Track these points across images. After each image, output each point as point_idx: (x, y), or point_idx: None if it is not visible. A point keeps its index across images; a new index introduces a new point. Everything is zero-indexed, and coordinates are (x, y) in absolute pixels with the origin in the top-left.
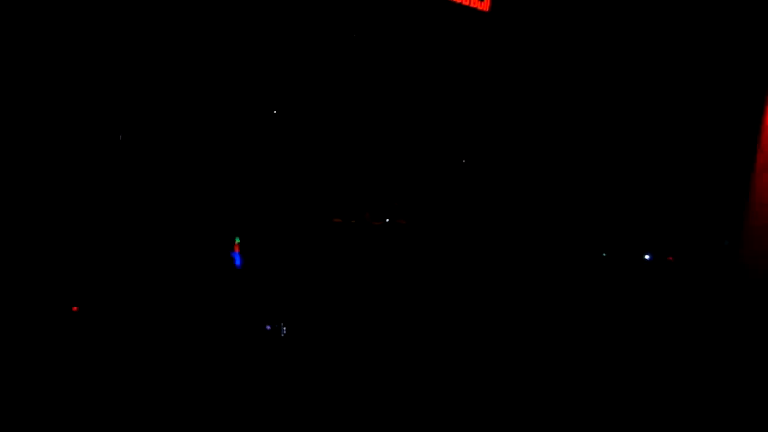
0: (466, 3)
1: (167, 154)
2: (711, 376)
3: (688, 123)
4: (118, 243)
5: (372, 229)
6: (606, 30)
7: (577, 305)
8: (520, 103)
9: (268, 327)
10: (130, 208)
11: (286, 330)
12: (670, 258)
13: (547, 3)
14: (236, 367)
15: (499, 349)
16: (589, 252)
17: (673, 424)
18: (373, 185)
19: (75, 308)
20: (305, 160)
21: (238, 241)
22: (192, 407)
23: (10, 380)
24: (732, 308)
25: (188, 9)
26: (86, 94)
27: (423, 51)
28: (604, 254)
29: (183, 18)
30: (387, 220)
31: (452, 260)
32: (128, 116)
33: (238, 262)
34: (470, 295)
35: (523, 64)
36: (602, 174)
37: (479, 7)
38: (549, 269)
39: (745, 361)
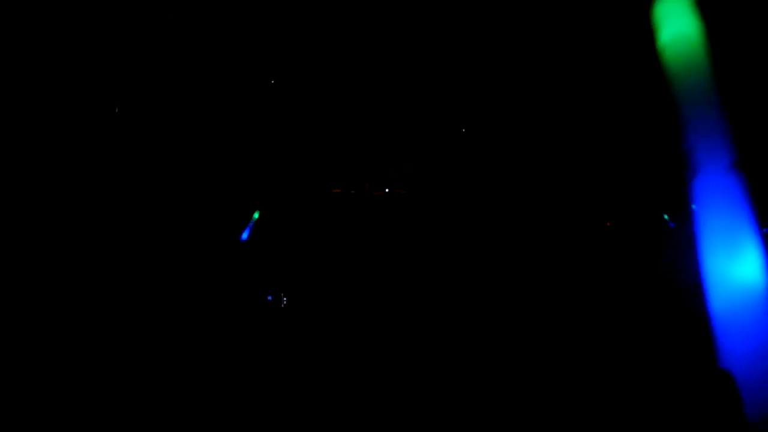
0: None
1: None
2: None
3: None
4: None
5: (372, 199)
6: None
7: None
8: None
9: (269, 297)
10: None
11: (286, 301)
12: None
13: None
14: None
15: (502, 335)
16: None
17: None
18: (372, 154)
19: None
20: (304, 131)
21: (256, 216)
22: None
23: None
24: None
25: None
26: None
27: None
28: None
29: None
30: (387, 190)
31: (454, 234)
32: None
33: (245, 234)
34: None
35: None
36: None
37: None
38: (551, 248)
39: None
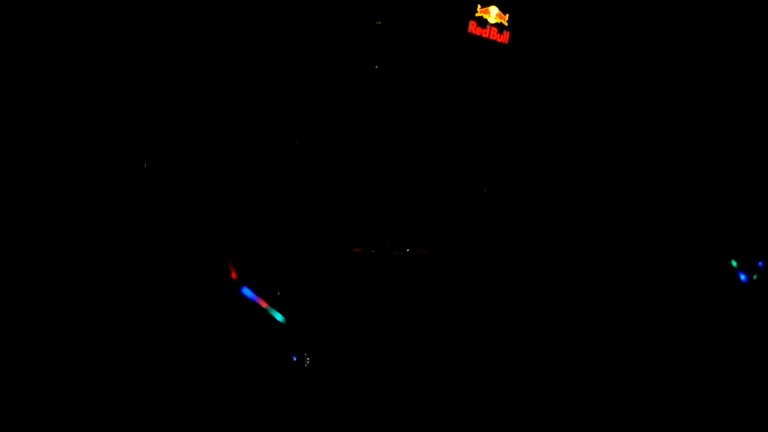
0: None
1: (183, 181)
2: None
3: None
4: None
5: (393, 259)
6: (627, 62)
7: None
8: (542, 133)
9: (295, 358)
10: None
11: (309, 361)
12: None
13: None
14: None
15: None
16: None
17: None
18: (392, 215)
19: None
20: (324, 189)
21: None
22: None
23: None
24: None
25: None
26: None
27: (445, 84)
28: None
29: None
30: (408, 249)
31: (475, 290)
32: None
33: (251, 296)
34: (492, 324)
35: (542, 94)
36: (624, 196)
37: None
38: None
39: None
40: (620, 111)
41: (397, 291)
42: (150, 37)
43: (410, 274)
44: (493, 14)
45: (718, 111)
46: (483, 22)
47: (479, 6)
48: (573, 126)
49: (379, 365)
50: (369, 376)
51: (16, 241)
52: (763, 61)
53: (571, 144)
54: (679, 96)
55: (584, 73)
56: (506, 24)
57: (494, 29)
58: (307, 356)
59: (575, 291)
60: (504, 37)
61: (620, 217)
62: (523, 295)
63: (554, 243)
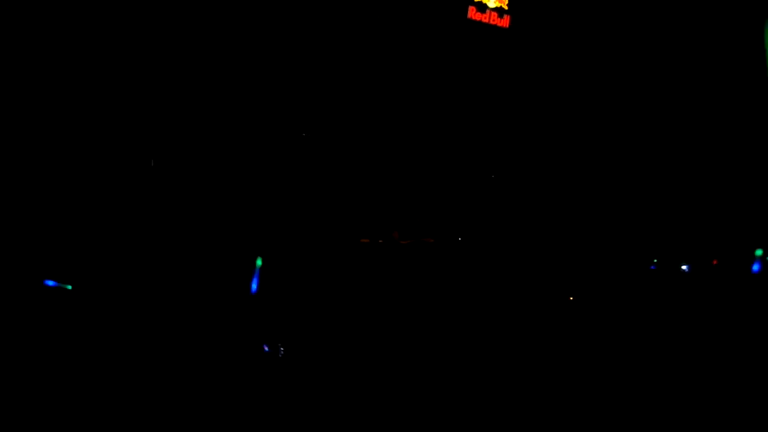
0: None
1: (193, 177)
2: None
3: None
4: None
5: (400, 248)
6: (628, 45)
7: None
8: (546, 119)
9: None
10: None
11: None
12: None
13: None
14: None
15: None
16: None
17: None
18: (399, 204)
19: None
20: (331, 181)
21: (259, 264)
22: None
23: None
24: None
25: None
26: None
27: (446, 71)
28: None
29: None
30: (415, 239)
31: (480, 278)
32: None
33: (255, 286)
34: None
35: (544, 79)
36: (629, 181)
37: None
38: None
39: None
40: (624, 97)
41: (405, 280)
42: (165, 35)
43: (418, 263)
44: None
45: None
46: (482, 7)
47: None
48: (577, 112)
49: (382, 354)
50: (374, 364)
51: (26, 240)
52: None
53: (576, 130)
54: (685, 86)
55: (587, 57)
56: (506, 8)
57: (494, 14)
58: (281, 347)
59: (580, 283)
60: (504, 22)
61: (626, 201)
62: (529, 283)
63: (561, 231)
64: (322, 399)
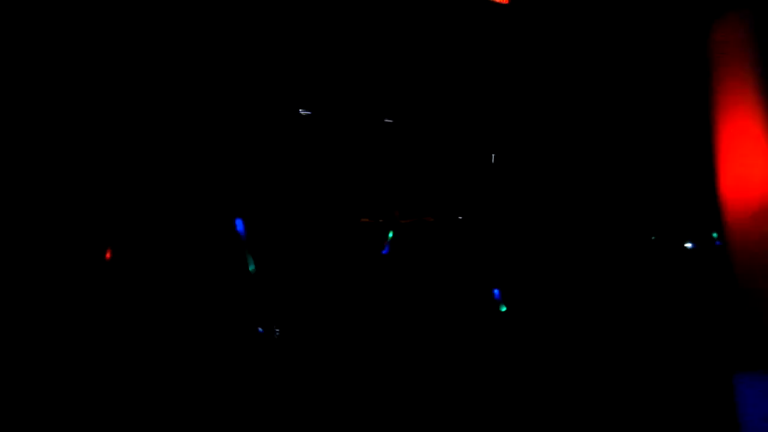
0: None
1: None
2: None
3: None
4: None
5: (402, 227)
6: (634, 25)
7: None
8: (548, 98)
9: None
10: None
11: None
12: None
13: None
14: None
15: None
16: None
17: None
18: (400, 184)
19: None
20: (331, 160)
21: (256, 243)
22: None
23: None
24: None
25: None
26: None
27: (445, 49)
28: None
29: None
30: (415, 217)
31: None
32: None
33: (252, 265)
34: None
35: (546, 57)
36: (635, 160)
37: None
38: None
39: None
40: (628, 77)
41: (405, 257)
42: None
43: (418, 241)
44: None
45: None
46: None
47: None
48: (579, 91)
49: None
50: (372, 351)
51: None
52: None
53: (579, 110)
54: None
55: (590, 34)
56: None
57: None
58: (277, 329)
59: (581, 264)
60: None
61: (630, 182)
62: (532, 267)
63: (563, 212)
64: (318, 382)
